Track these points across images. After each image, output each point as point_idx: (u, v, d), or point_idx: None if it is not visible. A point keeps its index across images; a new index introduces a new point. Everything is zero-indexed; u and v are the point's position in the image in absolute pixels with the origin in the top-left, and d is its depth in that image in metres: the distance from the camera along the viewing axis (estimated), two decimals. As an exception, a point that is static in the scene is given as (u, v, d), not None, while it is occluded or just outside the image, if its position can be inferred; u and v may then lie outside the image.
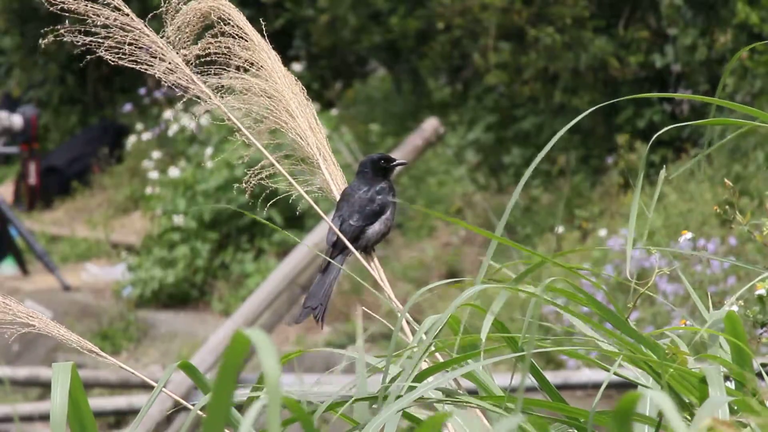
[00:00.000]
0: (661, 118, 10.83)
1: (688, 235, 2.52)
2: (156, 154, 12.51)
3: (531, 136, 11.39)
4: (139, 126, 13.51)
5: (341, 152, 11.33)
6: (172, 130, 12.15)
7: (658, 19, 10.95)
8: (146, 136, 13.31)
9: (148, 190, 11.80)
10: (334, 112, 12.45)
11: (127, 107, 14.28)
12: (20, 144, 13.49)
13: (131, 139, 13.54)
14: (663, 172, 2.06)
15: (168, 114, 12.41)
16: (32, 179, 13.71)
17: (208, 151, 11.35)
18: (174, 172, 11.52)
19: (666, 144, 10.60)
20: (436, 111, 11.94)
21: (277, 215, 10.81)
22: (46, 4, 2.36)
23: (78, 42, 2.38)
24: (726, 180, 2.45)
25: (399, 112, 12.73)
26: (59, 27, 2.39)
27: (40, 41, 2.39)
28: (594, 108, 2.05)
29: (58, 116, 15.57)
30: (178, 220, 11.19)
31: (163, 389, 1.94)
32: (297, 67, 13.26)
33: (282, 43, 13.78)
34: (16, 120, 13.22)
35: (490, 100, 11.80)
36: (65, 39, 2.38)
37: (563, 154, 11.08)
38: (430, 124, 9.39)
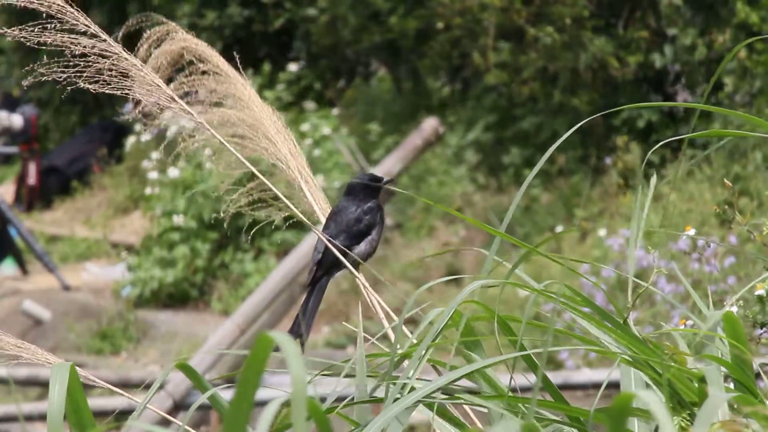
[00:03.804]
0: (659, 118, 10.83)
1: (691, 231, 2.52)
2: (155, 155, 12.52)
3: (530, 136, 11.39)
4: (138, 126, 13.51)
5: (341, 152, 11.33)
6: (171, 130, 12.15)
7: (657, 19, 10.95)
8: (146, 136, 13.31)
9: (148, 190, 11.80)
10: (334, 111, 12.45)
11: (127, 107, 14.27)
12: (20, 144, 13.49)
13: (131, 140, 13.54)
14: (654, 179, 2.06)
15: (167, 114, 12.41)
16: (32, 179, 13.71)
17: (207, 151, 11.34)
18: (173, 172, 11.53)
19: (664, 144, 10.59)
20: (435, 111, 11.94)
21: (275, 215, 10.79)
22: (23, 39, 2.38)
23: (59, 77, 2.40)
24: (725, 180, 2.45)
25: (399, 112, 12.73)
26: (37, 64, 2.41)
27: (23, 81, 2.40)
28: (598, 114, 2.05)
29: (58, 116, 15.58)
30: (178, 219, 11.19)
31: (155, 396, 1.94)
32: (297, 66, 13.26)
33: (282, 43, 13.79)
34: (16, 120, 13.23)
35: (489, 99, 11.80)
36: (45, 78, 2.40)
37: (562, 154, 11.08)
38: (430, 124, 9.39)
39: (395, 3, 12.34)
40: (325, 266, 2.50)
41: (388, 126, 12.39)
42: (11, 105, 14.72)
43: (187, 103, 2.50)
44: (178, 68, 2.52)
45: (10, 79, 16.06)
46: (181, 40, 2.51)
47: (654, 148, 2.02)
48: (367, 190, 2.55)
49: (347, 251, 2.50)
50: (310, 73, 13.46)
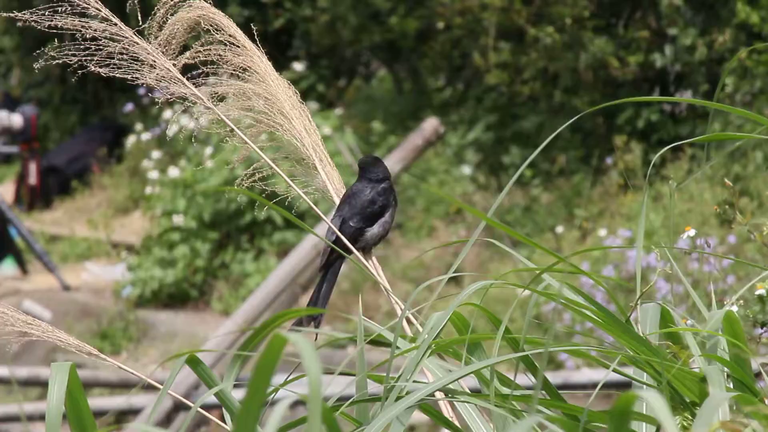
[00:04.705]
0: (660, 118, 10.83)
1: (691, 231, 2.52)
2: (156, 154, 12.52)
3: (531, 136, 11.39)
4: (138, 126, 13.52)
5: (342, 152, 11.33)
6: (172, 130, 12.14)
7: (657, 19, 10.95)
8: (146, 136, 13.32)
9: (148, 190, 11.80)
10: (337, 111, 12.46)
11: (127, 107, 14.29)
12: (20, 143, 13.49)
13: (131, 139, 13.54)
14: (673, 183, 2.06)
15: (168, 114, 12.42)
16: (32, 179, 13.71)
17: (208, 150, 11.35)
18: (174, 172, 11.53)
19: (665, 144, 10.60)
20: (436, 110, 11.93)
21: (276, 215, 10.80)
22: (33, 24, 2.37)
23: (70, 60, 2.38)
24: (726, 180, 2.45)
25: (399, 112, 12.73)
26: (50, 47, 2.40)
27: (36, 64, 2.39)
28: (593, 108, 2.05)
29: (58, 116, 15.57)
30: (178, 219, 11.19)
31: (171, 393, 1.94)
32: (298, 66, 13.26)
33: (282, 43, 13.79)
34: (16, 119, 13.22)
35: (490, 99, 11.80)
36: (57, 61, 2.38)
37: (563, 154, 11.08)
38: (430, 123, 9.39)
39: (395, 3, 12.33)
40: (339, 247, 2.48)
41: (388, 125, 12.39)
42: (11, 105, 14.71)
43: (204, 74, 2.48)
44: (195, 36, 2.49)
45: (10, 79, 16.05)
46: (198, 7, 2.48)
47: (660, 152, 2.01)
48: (380, 169, 2.54)
49: (360, 234, 2.48)
50: (311, 74, 13.46)
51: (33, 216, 13.66)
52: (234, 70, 2.49)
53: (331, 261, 2.50)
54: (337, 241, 2.49)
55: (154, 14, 2.47)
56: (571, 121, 2.01)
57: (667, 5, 10.67)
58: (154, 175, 11.87)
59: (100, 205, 13.70)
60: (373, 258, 2.50)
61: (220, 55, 2.48)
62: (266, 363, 1.45)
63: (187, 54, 2.48)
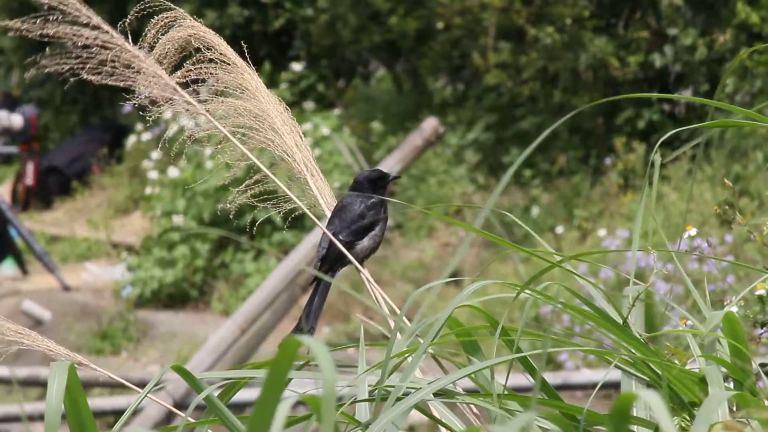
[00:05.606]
0: (660, 118, 10.83)
1: (693, 231, 2.52)
2: (156, 155, 12.52)
3: (530, 136, 11.39)
4: (138, 126, 13.53)
5: (341, 152, 11.33)
6: (172, 130, 12.14)
7: (657, 19, 10.95)
8: (146, 136, 13.32)
9: (148, 190, 11.80)
10: (336, 111, 12.46)
11: (127, 107, 14.28)
12: (20, 144, 13.49)
13: (131, 139, 13.54)
14: (658, 157, 2.06)
15: (167, 114, 12.42)
16: (29, 179, 13.71)
17: (208, 151, 11.35)
18: (173, 172, 11.53)
19: (665, 144, 10.60)
20: (435, 111, 11.93)
21: (276, 215, 10.80)
22: (25, 32, 2.38)
23: (62, 69, 2.39)
24: (726, 180, 2.45)
25: (399, 112, 12.73)
26: (42, 56, 2.41)
27: (26, 74, 2.40)
28: (591, 104, 2.05)
29: (58, 116, 15.57)
30: (178, 219, 11.19)
31: (150, 396, 1.94)
32: (297, 67, 13.26)
33: (282, 43, 13.79)
34: (16, 120, 13.22)
35: (489, 99, 11.80)
36: (48, 69, 2.39)
37: (563, 154, 11.08)
38: (430, 123, 9.39)
39: (395, 3, 12.33)
40: (329, 262, 2.50)
41: (388, 126, 12.39)
42: (11, 105, 14.71)
43: (195, 91, 2.50)
44: (186, 55, 2.51)
45: (10, 79, 16.05)
46: (188, 27, 2.49)
47: (657, 145, 2.01)
48: (372, 185, 2.55)
49: (350, 247, 2.50)
50: (311, 74, 13.46)
51: (33, 216, 13.66)
52: (225, 88, 2.51)
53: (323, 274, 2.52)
54: (328, 253, 2.50)
55: (146, 34, 2.48)
56: (568, 116, 2.01)
57: (667, 5, 10.67)
58: (153, 175, 11.87)
59: (100, 205, 13.71)
60: (365, 270, 2.51)
61: (211, 73, 2.50)
62: (280, 366, 1.44)
63: (179, 73, 2.49)
